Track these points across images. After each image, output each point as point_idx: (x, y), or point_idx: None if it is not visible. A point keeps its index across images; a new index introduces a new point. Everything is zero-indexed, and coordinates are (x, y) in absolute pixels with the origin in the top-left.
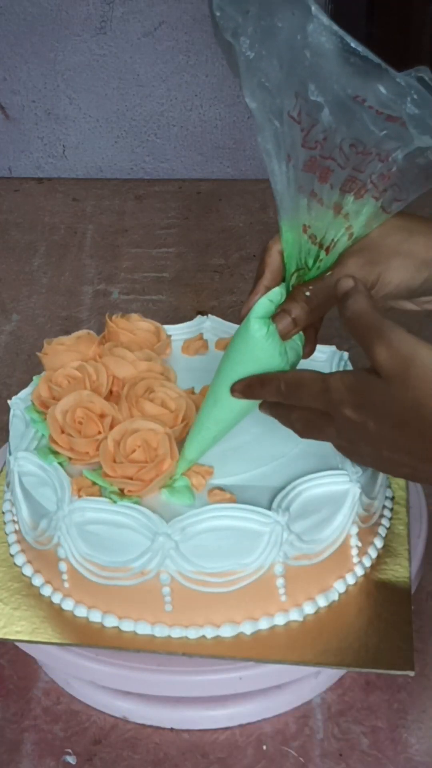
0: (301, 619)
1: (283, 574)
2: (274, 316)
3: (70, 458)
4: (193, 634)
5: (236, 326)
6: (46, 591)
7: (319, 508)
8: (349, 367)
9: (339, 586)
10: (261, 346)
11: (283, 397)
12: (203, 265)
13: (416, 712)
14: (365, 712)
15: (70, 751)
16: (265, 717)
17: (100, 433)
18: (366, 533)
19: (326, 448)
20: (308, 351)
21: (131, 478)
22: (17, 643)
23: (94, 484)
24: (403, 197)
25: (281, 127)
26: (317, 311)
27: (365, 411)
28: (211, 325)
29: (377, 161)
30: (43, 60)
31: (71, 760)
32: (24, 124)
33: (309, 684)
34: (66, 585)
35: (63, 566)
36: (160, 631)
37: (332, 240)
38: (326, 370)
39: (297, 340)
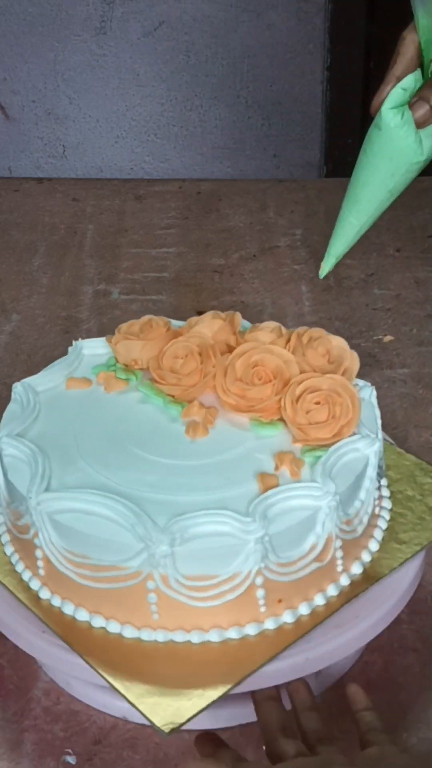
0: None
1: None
2: (411, 104)
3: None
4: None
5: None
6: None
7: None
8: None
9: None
10: (397, 137)
11: None
12: (203, 265)
13: (416, 712)
14: None
15: (70, 751)
16: None
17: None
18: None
19: None
20: None
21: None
22: (17, 643)
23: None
24: None
25: None
26: None
27: None
28: None
29: None
30: (43, 60)
31: (71, 760)
32: (24, 124)
33: (309, 684)
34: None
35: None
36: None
37: None
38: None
39: None
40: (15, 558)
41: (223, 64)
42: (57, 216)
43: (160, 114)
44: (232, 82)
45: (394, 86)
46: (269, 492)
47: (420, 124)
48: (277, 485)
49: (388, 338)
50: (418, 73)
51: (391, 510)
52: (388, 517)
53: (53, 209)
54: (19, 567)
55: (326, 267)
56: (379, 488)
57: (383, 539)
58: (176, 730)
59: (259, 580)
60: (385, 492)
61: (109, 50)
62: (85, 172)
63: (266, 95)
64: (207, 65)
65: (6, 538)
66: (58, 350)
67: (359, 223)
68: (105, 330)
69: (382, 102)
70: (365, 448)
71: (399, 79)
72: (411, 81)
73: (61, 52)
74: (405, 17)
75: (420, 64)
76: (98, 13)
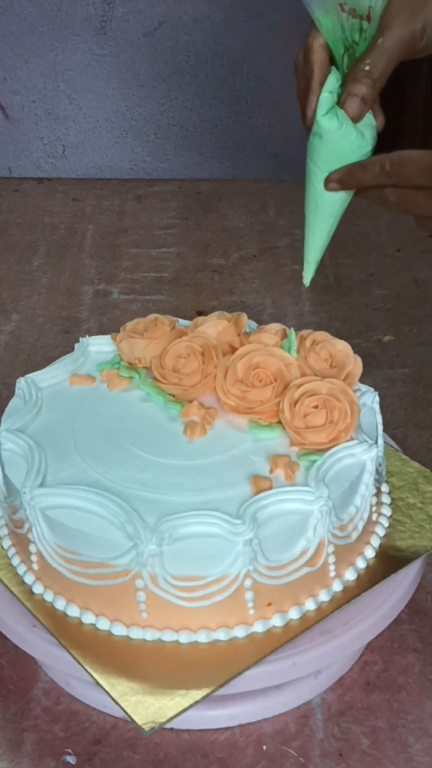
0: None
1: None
2: (342, 103)
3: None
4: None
5: None
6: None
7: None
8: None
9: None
10: (339, 138)
11: (386, 177)
12: (203, 265)
13: (416, 712)
14: (365, 712)
15: (70, 751)
16: (265, 717)
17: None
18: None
19: None
20: (380, 122)
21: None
22: (17, 643)
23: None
24: None
25: None
26: (381, 80)
27: None
28: None
29: None
30: (43, 60)
31: (71, 760)
32: (24, 124)
33: (309, 684)
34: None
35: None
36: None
37: (368, 6)
38: (366, 456)
39: (367, 115)
40: (11, 552)
41: (223, 64)
42: (57, 216)
43: (160, 114)
44: (232, 82)
45: (320, 93)
46: (261, 495)
47: (356, 119)
48: (270, 488)
49: (388, 338)
50: (336, 72)
51: (390, 517)
52: (386, 524)
53: (53, 209)
54: (15, 561)
55: (309, 274)
56: (378, 494)
57: (380, 546)
58: (156, 730)
59: (248, 583)
60: (386, 499)
61: (109, 50)
62: (85, 172)
63: (266, 95)
64: (207, 65)
65: (4, 531)
66: (58, 350)
67: (326, 226)
68: (105, 330)
69: (314, 111)
70: (362, 453)
71: (322, 84)
72: (334, 82)
73: (61, 52)
74: None
75: (333, 63)
76: (98, 13)
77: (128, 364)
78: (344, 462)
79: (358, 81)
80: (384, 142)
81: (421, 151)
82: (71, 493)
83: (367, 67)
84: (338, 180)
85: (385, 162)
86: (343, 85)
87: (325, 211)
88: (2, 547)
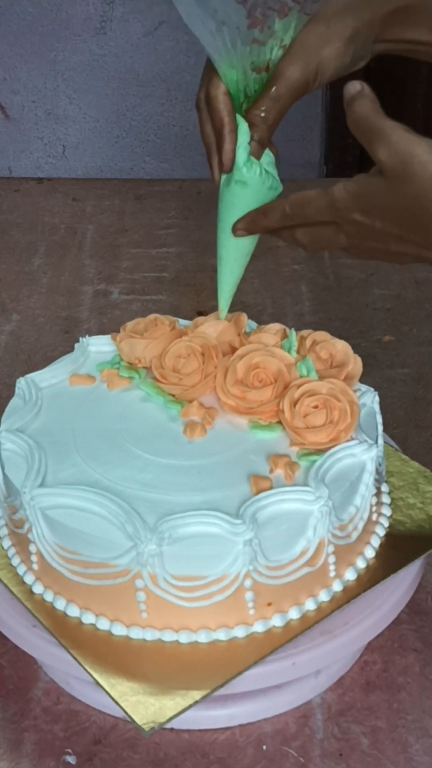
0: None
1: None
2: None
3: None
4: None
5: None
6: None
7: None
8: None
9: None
10: (261, 184)
11: (288, 220)
12: (203, 265)
13: (416, 712)
14: (365, 712)
15: (70, 751)
16: (265, 717)
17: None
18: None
19: None
20: (274, 153)
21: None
22: (17, 643)
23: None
24: None
25: (209, 6)
26: (275, 124)
27: (371, 213)
28: None
29: None
30: (43, 60)
31: (71, 760)
32: (24, 124)
33: (309, 684)
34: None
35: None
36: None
37: (268, 59)
38: (366, 456)
39: (265, 154)
40: (11, 552)
41: None
42: (57, 216)
43: (160, 114)
44: None
45: (234, 143)
46: (260, 495)
47: (256, 159)
48: (270, 488)
49: (388, 338)
50: (244, 122)
51: (390, 517)
52: (386, 524)
53: (53, 209)
54: (15, 561)
55: (225, 309)
56: (378, 494)
57: (380, 546)
58: (156, 730)
59: (248, 583)
60: (386, 499)
61: (109, 50)
62: (85, 172)
63: None
64: None
65: (4, 531)
66: (58, 350)
67: (242, 265)
68: (105, 330)
69: (232, 161)
70: (362, 453)
71: (234, 132)
72: (246, 133)
73: (61, 52)
74: None
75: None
76: (98, 13)
77: (128, 364)
78: (344, 462)
79: (255, 125)
80: None
81: (316, 191)
82: (71, 493)
83: (262, 114)
84: (244, 228)
85: (285, 206)
86: None
87: (242, 252)
88: (2, 547)
